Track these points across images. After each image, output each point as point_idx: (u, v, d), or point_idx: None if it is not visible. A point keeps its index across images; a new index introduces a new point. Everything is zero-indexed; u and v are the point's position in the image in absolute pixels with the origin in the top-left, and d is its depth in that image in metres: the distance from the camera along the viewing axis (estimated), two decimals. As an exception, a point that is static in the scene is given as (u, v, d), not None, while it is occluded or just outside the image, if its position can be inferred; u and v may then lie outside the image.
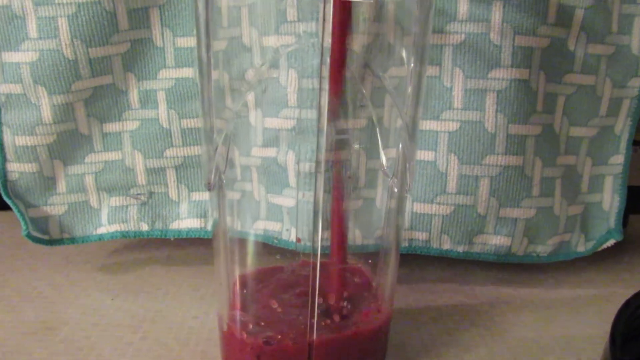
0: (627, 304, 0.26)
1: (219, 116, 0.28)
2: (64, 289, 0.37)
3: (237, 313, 0.27)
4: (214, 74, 0.28)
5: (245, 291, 0.29)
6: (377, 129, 0.30)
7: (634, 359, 0.24)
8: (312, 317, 0.26)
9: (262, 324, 0.27)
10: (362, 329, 0.27)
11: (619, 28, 0.36)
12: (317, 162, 0.26)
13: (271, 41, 0.32)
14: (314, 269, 0.25)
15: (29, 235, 0.37)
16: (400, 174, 0.27)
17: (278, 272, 0.30)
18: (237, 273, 0.29)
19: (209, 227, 0.40)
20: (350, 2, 0.26)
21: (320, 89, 0.25)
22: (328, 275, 0.28)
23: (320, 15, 0.24)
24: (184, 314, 0.34)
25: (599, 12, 0.35)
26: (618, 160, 0.38)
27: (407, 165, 0.27)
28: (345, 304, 0.28)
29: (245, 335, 0.26)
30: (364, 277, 0.30)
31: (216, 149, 0.26)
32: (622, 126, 0.38)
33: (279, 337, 0.26)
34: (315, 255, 0.26)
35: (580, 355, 0.30)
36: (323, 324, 0.26)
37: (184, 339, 0.31)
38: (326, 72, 0.25)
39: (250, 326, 0.27)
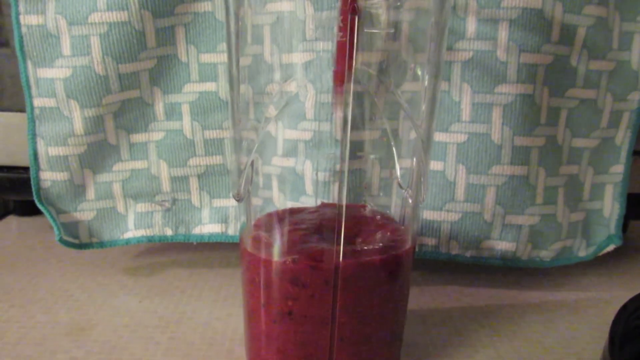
0: (625, 307, 0.28)
1: (245, 128, 0.30)
2: (93, 291, 0.39)
3: (262, 235, 0.28)
4: (241, 88, 0.30)
5: (269, 220, 0.30)
6: (392, 141, 0.32)
7: None
8: (339, 243, 0.26)
9: (288, 247, 0.28)
10: (386, 255, 0.28)
11: (619, 45, 0.38)
12: (342, 172, 0.28)
13: (291, 58, 0.34)
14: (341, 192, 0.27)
15: (61, 240, 0.39)
16: (415, 186, 0.29)
17: (301, 210, 0.32)
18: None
19: (230, 232, 0.42)
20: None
21: (345, 104, 0.27)
22: (352, 211, 0.29)
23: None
24: (208, 315, 0.36)
25: (600, 30, 0.37)
26: (618, 169, 0.40)
27: (422, 178, 0.29)
28: (368, 234, 0.29)
29: (271, 256, 0.27)
30: (385, 214, 0.32)
31: (245, 167, 0.28)
32: (623, 137, 0.40)
33: (306, 258, 0.26)
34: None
35: (581, 355, 0.32)
36: (348, 250, 0.27)
37: (209, 338, 0.33)
38: (350, 89, 0.27)
39: (275, 247, 0.28)
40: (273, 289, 0.27)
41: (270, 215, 0.30)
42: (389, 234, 0.29)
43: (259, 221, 0.30)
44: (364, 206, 0.33)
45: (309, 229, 0.29)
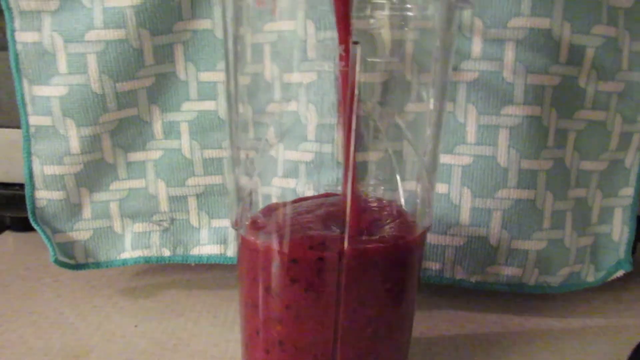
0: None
1: (244, 148, 0.29)
2: (88, 314, 0.38)
3: (259, 222, 0.27)
4: (240, 108, 0.29)
5: (271, 212, 0.28)
6: (395, 164, 0.32)
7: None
8: (343, 230, 0.25)
9: (291, 236, 0.26)
10: (395, 242, 0.26)
11: (629, 65, 0.37)
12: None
13: (292, 78, 0.33)
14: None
15: (56, 261, 0.38)
16: (420, 212, 0.28)
17: (303, 200, 0.30)
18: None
19: (229, 253, 0.41)
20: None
21: (350, 125, 0.26)
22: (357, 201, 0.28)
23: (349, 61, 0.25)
24: (205, 342, 0.35)
25: (609, 51, 0.36)
26: (628, 192, 0.39)
27: (427, 206, 0.28)
28: (375, 223, 0.28)
29: (274, 245, 0.25)
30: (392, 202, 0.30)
31: (244, 197, 0.27)
32: (632, 160, 0.39)
33: (312, 247, 0.25)
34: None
35: (590, 388, 0.31)
36: (354, 237, 0.25)
37: (206, 366, 0.32)
38: (355, 109, 0.25)
39: (276, 236, 0.26)
40: (271, 293, 0.26)
41: (270, 205, 0.29)
42: (397, 221, 0.28)
43: (259, 216, 0.28)
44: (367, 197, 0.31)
45: (312, 218, 0.27)
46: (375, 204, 0.30)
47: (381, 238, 0.26)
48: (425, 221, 0.28)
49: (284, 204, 0.30)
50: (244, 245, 0.27)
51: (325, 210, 0.28)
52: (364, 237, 0.26)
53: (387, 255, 0.26)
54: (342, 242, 0.25)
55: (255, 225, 0.27)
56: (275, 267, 0.26)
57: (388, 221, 0.28)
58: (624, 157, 0.39)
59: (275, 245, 0.25)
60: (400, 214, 0.29)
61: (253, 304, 0.27)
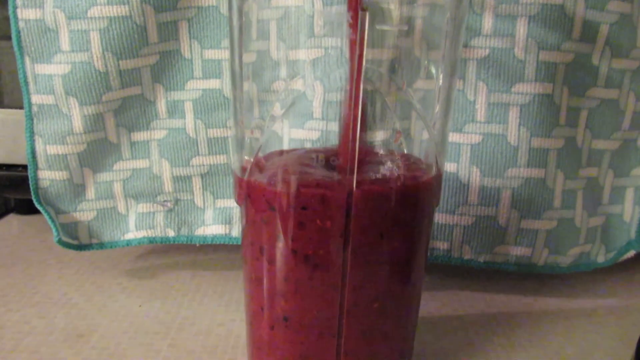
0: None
1: (249, 126, 0.29)
2: (93, 295, 0.38)
3: (260, 164, 0.26)
4: (245, 86, 0.28)
5: (274, 156, 0.28)
6: (404, 143, 0.31)
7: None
8: (352, 172, 0.24)
9: (297, 179, 0.25)
10: (405, 184, 0.25)
11: (644, 42, 0.36)
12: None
13: (298, 55, 0.33)
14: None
15: (60, 241, 0.38)
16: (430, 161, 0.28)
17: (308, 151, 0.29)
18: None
19: (234, 234, 0.40)
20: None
21: (354, 101, 0.25)
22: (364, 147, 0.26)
23: (356, 35, 0.24)
24: (210, 321, 0.35)
25: (623, 28, 0.35)
26: (640, 172, 0.39)
27: (434, 156, 0.27)
28: (381, 166, 0.27)
29: (280, 186, 0.24)
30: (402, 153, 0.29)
31: (247, 171, 0.27)
32: (645, 139, 0.38)
33: (321, 189, 0.24)
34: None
35: (601, 368, 0.31)
36: (362, 180, 0.24)
37: (211, 346, 0.32)
38: (359, 85, 0.25)
39: (283, 178, 0.25)
40: (274, 265, 0.25)
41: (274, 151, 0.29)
42: (405, 164, 0.26)
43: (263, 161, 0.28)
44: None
45: (317, 161, 0.26)
46: (382, 151, 0.29)
47: (387, 178, 0.24)
48: (436, 168, 0.27)
49: (287, 150, 0.29)
50: (247, 196, 0.26)
51: (331, 156, 0.27)
52: (370, 177, 0.24)
53: (395, 198, 0.24)
54: (344, 184, 0.23)
55: (255, 167, 0.26)
56: (271, 215, 0.25)
57: (396, 164, 0.27)
58: (637, 137, 0.38)
59: (269, 186, 0.25)
60: (409, 158, 0.28)
61: (257, 278, 0.26)
